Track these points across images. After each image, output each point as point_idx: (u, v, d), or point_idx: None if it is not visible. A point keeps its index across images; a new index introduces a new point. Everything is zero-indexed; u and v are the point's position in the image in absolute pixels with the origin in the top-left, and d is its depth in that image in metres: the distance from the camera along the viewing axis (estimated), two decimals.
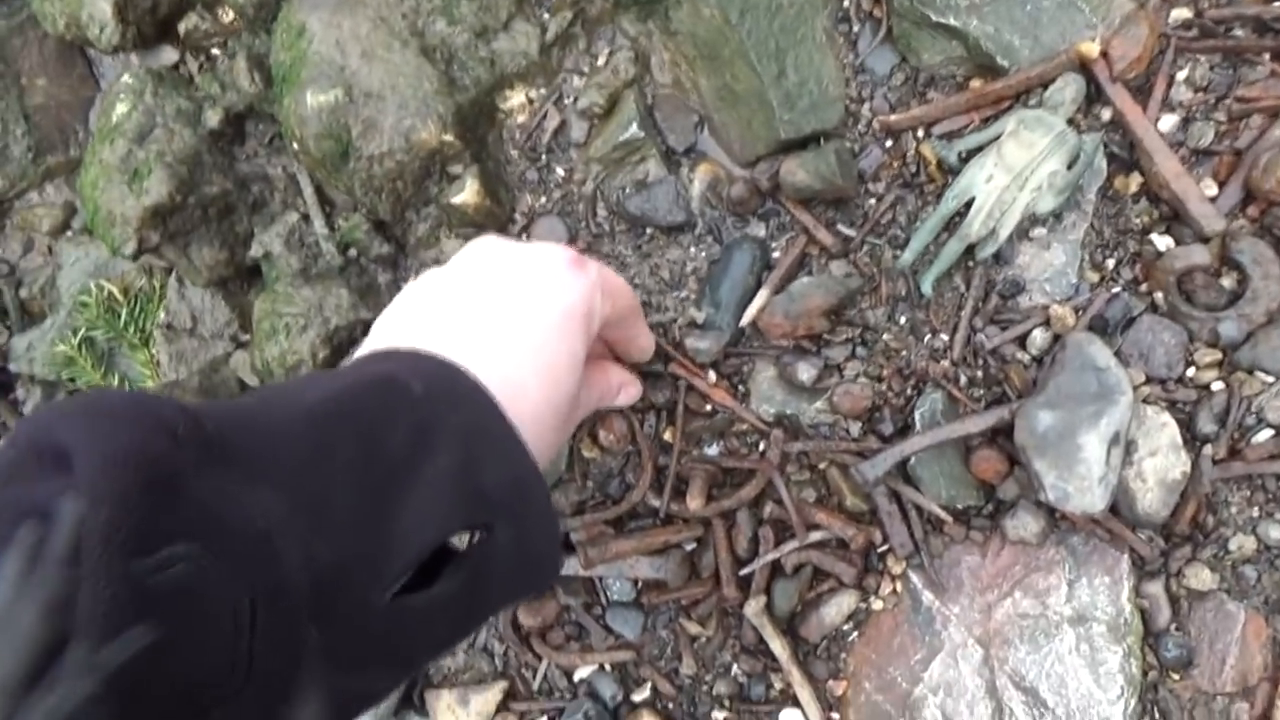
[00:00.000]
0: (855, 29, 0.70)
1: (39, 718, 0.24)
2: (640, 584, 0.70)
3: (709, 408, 0.70)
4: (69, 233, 0.84)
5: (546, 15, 0.73)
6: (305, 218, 0.73)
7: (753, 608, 0.67)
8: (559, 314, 0.45)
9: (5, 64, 0.82)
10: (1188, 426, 0.62)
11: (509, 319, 0.43)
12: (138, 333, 0.82)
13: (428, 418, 0.37)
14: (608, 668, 0.70)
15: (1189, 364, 0.63)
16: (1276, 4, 0.65)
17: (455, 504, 0.35)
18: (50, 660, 0.25)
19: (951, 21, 0.66)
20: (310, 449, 0.33)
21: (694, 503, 0.68)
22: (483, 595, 0.38)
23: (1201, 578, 0.62)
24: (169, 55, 0.78)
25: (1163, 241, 0.65)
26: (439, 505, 0.35)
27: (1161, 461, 0.61)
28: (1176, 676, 0.62)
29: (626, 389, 0.60)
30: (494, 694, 0.71)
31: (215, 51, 0.77)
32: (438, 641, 0.39)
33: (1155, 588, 0.62)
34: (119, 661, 0.25)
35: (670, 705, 0.70)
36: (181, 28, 0.76)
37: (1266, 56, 0.65)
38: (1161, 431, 0.61)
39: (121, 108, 0.72)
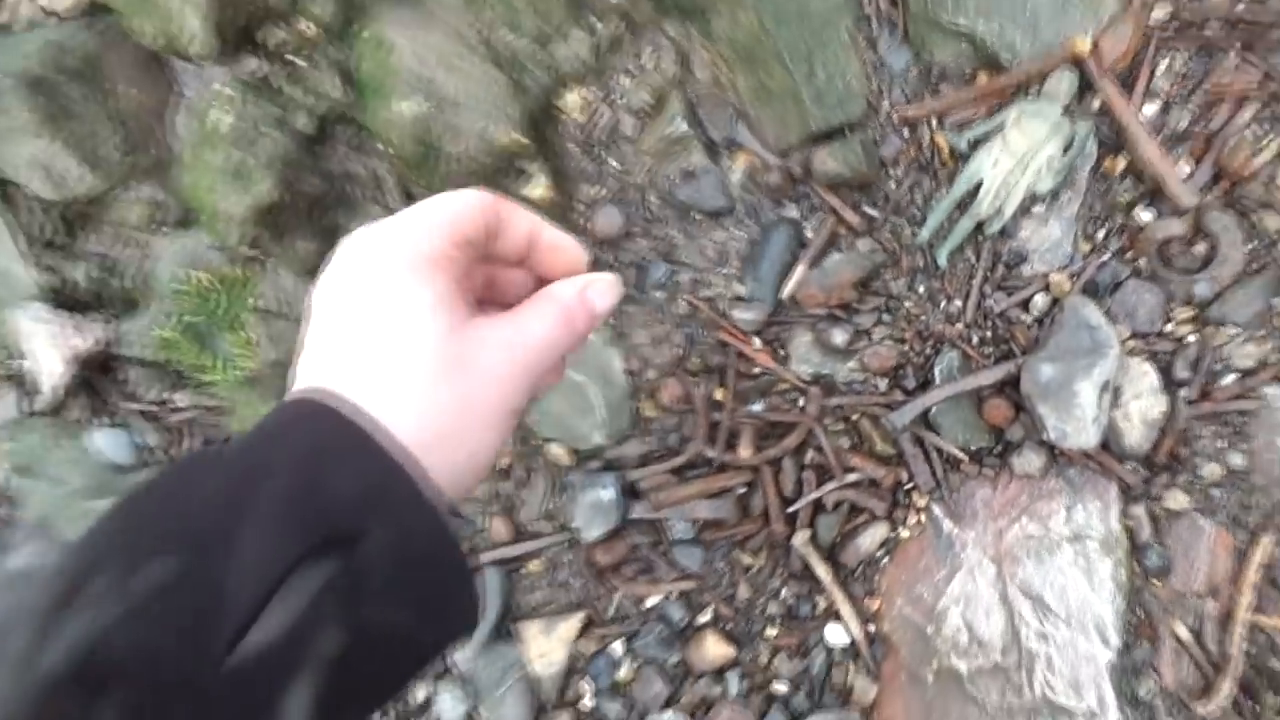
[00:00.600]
0: (875, 31, 0.79)
1: (70, 634, 0.27)
2: (699, 523, 0.81)
3: (755, 370, 0.81)
4: (163, 228, 0.92)
5: (597, 23, 0.81)
6: (389, 210, 0.82)
7: (800, 539, 0.78)
8: (392, 271, 0.37)
9: (98, 75, 0.89)
10: (1166, 373, 0.73)
11: (352, 310, 0.37)
12: (230, 317, 0.91)
13: (253, 460, 0.33)
14: (673, 596, 0.82)
15: (1168, 320, 0.74)
16: (1242, 4, 0.75)
17: (288, 531, 0.31)
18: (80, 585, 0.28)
19: (961, 22, 0.76)
20: (124, 529, 0.31)
21: (744, 452, 0.79)
22: (356, 619, 0.32)
23: (1177, 500, 0.74)
24: (251, 64, 0.86)
25: (1145, 215, 0.75)
26: (267, 539, 0.31)
27: (1144, 404, 0.72)
28: (1157, 582, 0.74)
29: (594, 293, 0.43)
30: (575, 622, 0.83)
31: (295, 60, 0.85)
32: (321, 687, 0.31)
33: (1139, 510, 0.74)
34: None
35: (729, 625, 0.81)
36: (262, 39, 0.84)
37: (1235, 47, 0.75)
38: (1144, 379, 0.73)
39: (217, 115, 0.81)
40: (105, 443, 0.94)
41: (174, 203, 0.90)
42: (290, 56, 0.85)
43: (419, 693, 0.86)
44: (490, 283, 0.45)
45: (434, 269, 0.38)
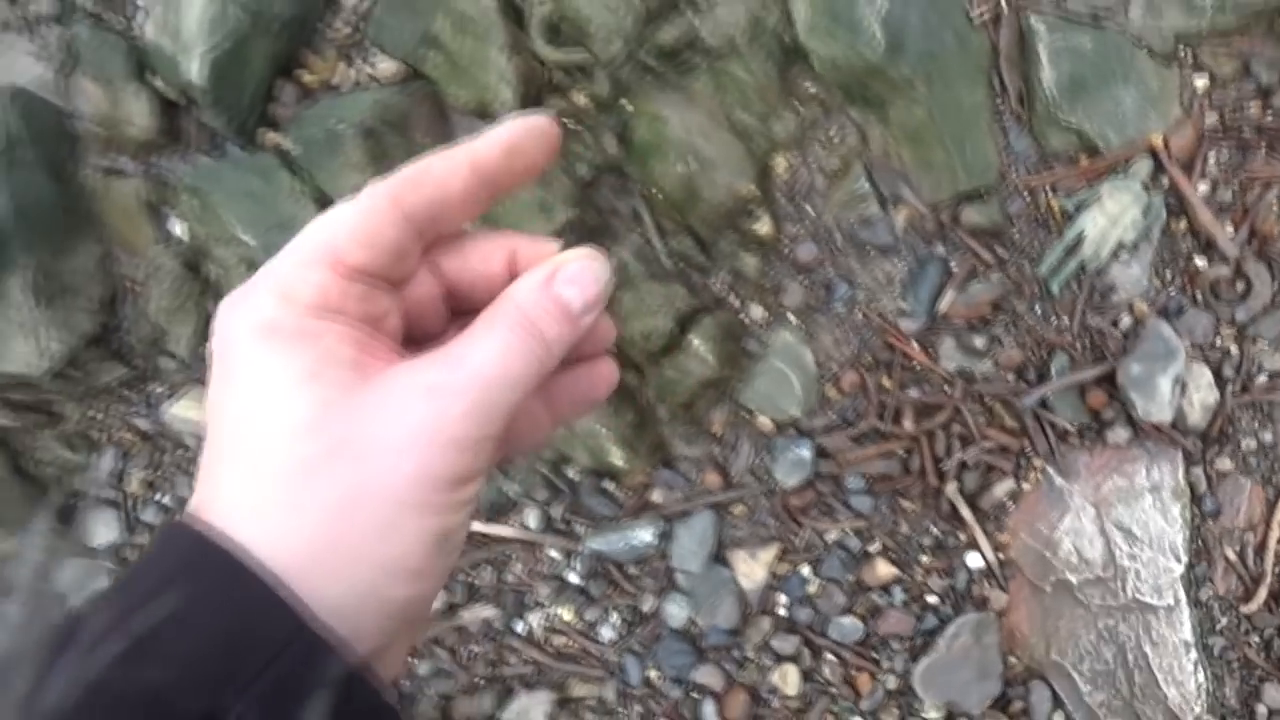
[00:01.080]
0: (1007, 123, 1.09)
1: (69, 676, 0.24)
2: (871, 478, 1.10)
3: (914, 365, 1.10)
4: None
5: (801, 107, 1.11)
6: (646, 240, 1.11)
7: (950, 489, 1.07)
8: (241, 348, 0.31)
9: (407, 126, 1.17)
10: (1217, 373, 1.03)
11: (213, 403, 0.32)
12: None
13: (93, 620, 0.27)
14: (849, 531, 1.10)
15: (1217, 335, 1.04)
16: (1269, 115, 1.06)
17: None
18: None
19: (1071, 121, 1.06)
20: None
21: (906, 425, 1.08)
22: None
23: (1225, 464, 1.03)
24: None
25: (1200, 262, 1.06)
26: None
27: (1202, 394, 1.02)
28: (1212, 520, 1.03)
29: (564, 282, 0.34)
30: (772, 551, 1.10)
31: (567, 123, 1.14)
32: None
33: (1198, 470, 1.03)
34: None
35: (893, 554, 1.10)
36: (549, 107, 1.12)
37: (1264, 146, 1.06)
38: (1202, 376, 1.03)
39: None
40: None
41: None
42: (565, 120, 1.13)
43: (647, 603, 1.13)
44: (455, 296, 0.37)
45: (295, 334, 0.30)
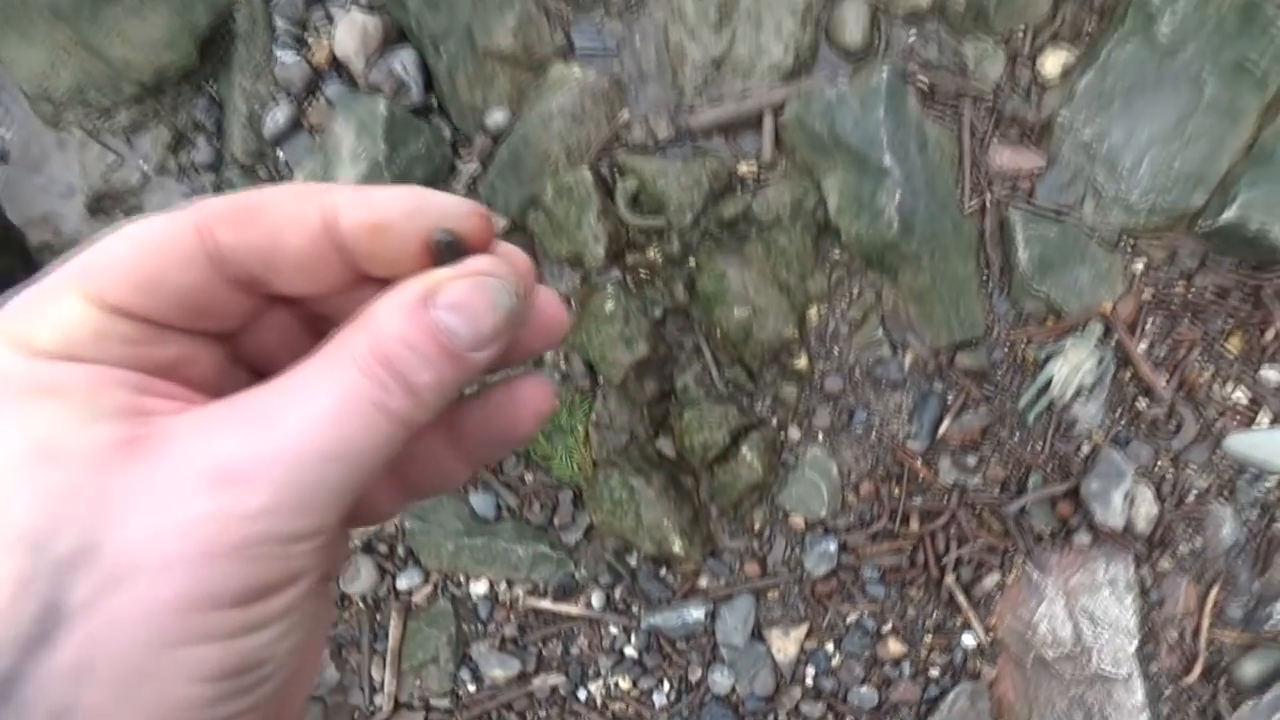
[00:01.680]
0: (992, 290, 1.39)
1: None
2: (884, 569, 1.34)
3: (919, 478, 1.36)
4: (524, 365, 1.45)
5: (830, 270, 1.40)
6: (705, 369, 1.37)
7: (949, 580, 1.31)
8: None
9: None
10: (1158, 490, 1.31)
11: None
12: (570, 426, 1.43)
13: None
14: (866, 614, 1.33)
15: (1157, 461, 1.32)
16: (1191, 292, 1.37)
17: None
18: None
19: (1041, 290, 1.36)
20: None
21: (913, 526, 1.33)
22: None
23: (1165, 564, 1.29)
24: (615, 274, 1.42)
25: (1142, 403, 1.34)
26: None
27: (1146, 508, 1.29)
28: (1157, 609, 1.29)
29: (447, 304, 0.26)
30: (802, 629, 1.33)
31: (640, 271, 1.41)
32: None
33: (1145, 569, 1.29)
34: None
35: (902, 633, 1.33)
36: (628, 259, 1.40)
37: (1188, 315, 1.37)
38: (1146, 492, 1.30)
39: (607, 303, 1.36)
40: (478, 502, 1.43)
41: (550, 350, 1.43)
42: (641, 271, 1.41)
43: (695, 673, 1.35)
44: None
45: (23, 390, 0.23)
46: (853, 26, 1.40)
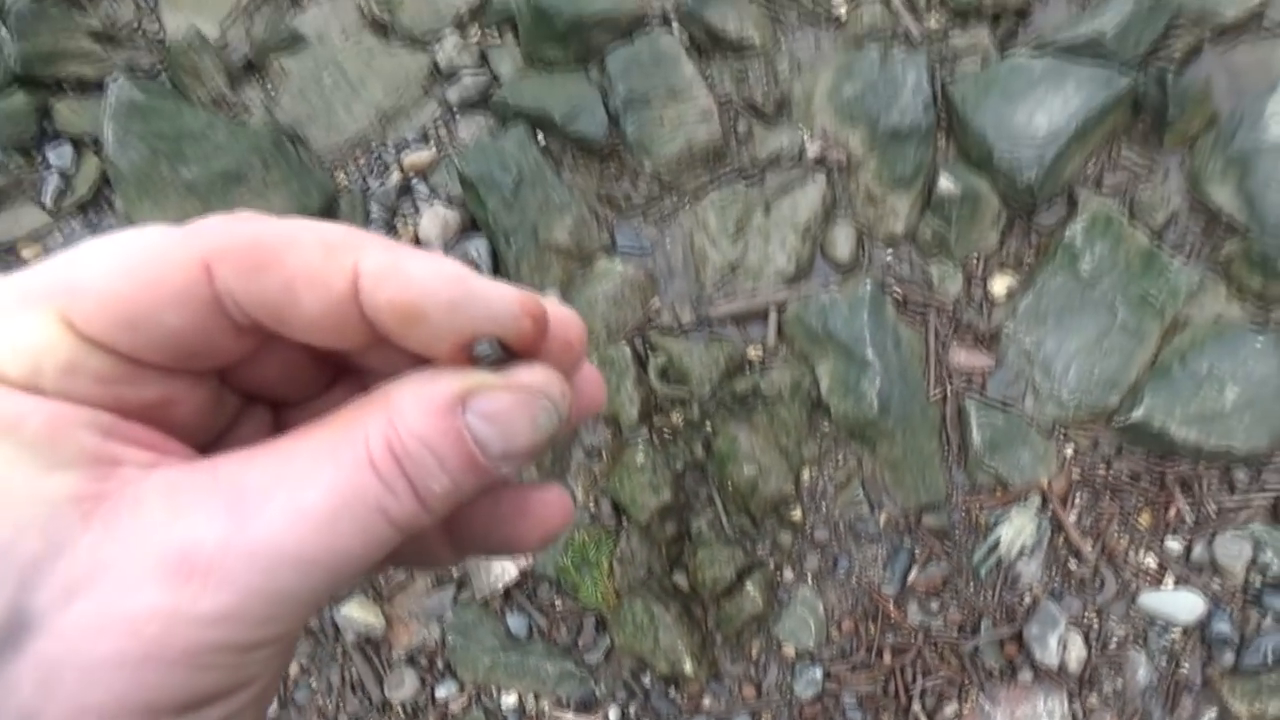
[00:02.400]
0: (952, 465, 1.70)
1: None
2: (861, 695, 1.58)
3: (891, 619, 1.62)
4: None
5: (817, 442, 1.70)
6: (717, 516, 1.64)
7: (915, 707, 1.56)
8: None
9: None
10: (1086, 637, 1.58)
11: None
12: (596, 559, 1.68)
13: None
14: None
15: (1085, 612, 1.60)
16: (1111, 474, 1.68)
17: None
18: None
19: (991, 466, 1.67)
20: None
21: (886, 659, 1.59)
22: None
23: (1093, 701, 1.56)
24: (644, 432, 1.70)
25: (1072, 564, 1.63)
26: None
27: (1077, 651, 1.56)
28: None
29: (484, 414, 0.24)
30: None
31: (664, 431, 1.70)
32: None
33: (1076, 704, 1.55)
34: None
35: None
36: (656, 421, 1.69)
37: (1108, 493, 1.68)
38: (1077, 638, 1.57)
39: (638, 456, 1.63)
40: (513, 622, 1.66)
41: (579, 493, 1.69)
42: (666, 431, 1.70)
43: None
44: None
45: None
46: (842, 245, 1.75)
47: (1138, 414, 1.59)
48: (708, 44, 1.85)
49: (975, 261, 1.74)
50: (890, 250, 1.76)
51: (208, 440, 0.28)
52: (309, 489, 0.22)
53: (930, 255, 1.74)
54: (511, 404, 0.24)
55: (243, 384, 0.28)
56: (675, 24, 1.86)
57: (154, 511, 0.21)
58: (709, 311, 1.74)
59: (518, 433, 0.24)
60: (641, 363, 1.70)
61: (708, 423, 1.67)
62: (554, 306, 0.27)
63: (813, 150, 1.78)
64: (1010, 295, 1.72)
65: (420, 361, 0.25)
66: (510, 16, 1.86)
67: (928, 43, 1.83)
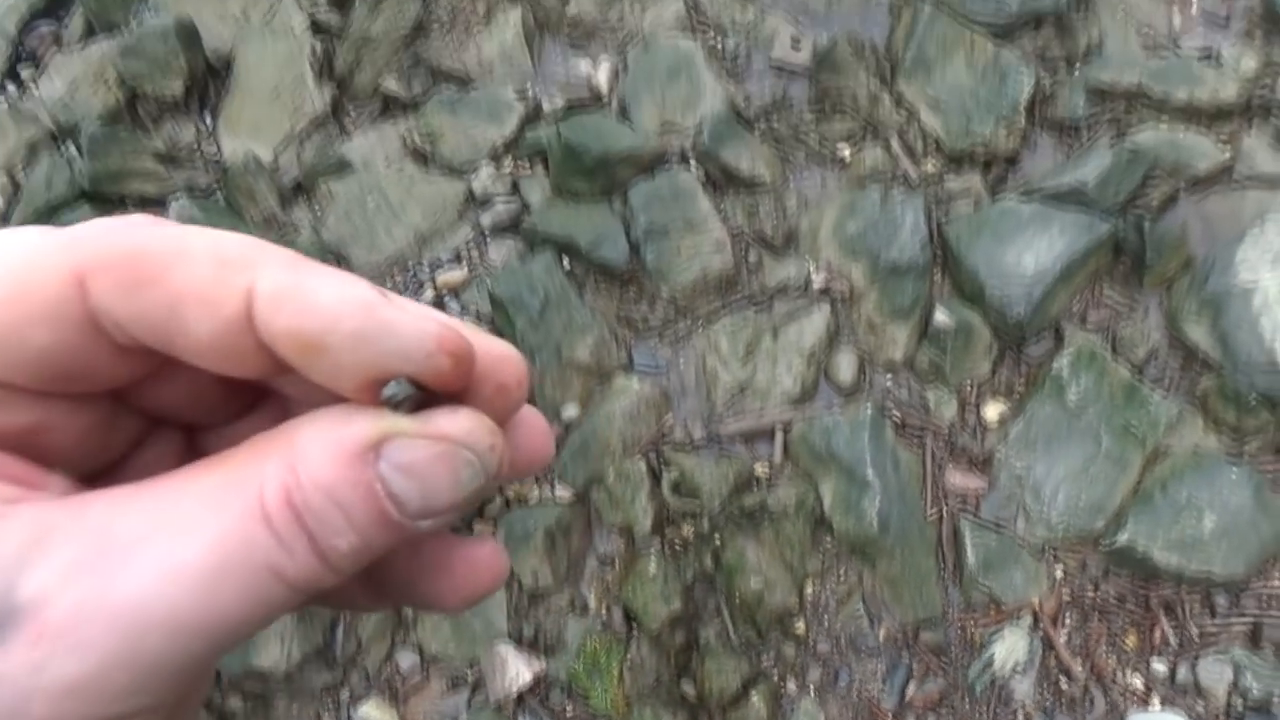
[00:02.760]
0: (948, 579, 1.78)
1: None
2: None
3: (876, 716, 1.69)
4: (577, 612, 1.78)
5: (821, 560, 1.79)
6: (724, 627, 1.72)
7: None
8: None
9: (571, 528, 1.81)
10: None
11: None
12: (605, 666, 1.75)
13: None
14: None
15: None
16: (1099, 595, 1.77)
17: None
18: None
19: (985, 584, 1.75)
20: None
21: None
22: None
23: None
24: (656, 544, 1.79)
25: (1064, 682, 1.71)
26: None
27: None
28: None
29: (397, 461, 0.22)
30: None
31: (676, 543, 1.79)
32: None
33: None
34: None
35: None
36: (668, 533, 1.78)
37: (1096, 613, 1.76)
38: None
39: (650, 566, 1.72)
40: None
41: (592, 600, 1.78)
42: (677, 543, 1.79)
43: None
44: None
45: None
46: (845, 370, 1.87)
47: (1122, 539, 1.68)
48: (722, 180, 2.01)
49: (969, 389, 1.86)
50: (890, 376, 1.88)
51: (101, 466, 0.25)
52: (187, 541, 0.19)
53: (927, 382, 1.87)
54: (430, 456, 0.21)
55: (143, 405, 0.25)
56: (693, 162, 2.02)
57: (6, 555, 0.18)
58: (719, 429, 1.85)
59: (438, 489, 0.21)
60: (655, 476, 1.80)
61: (717, 536, 1.77)
62: (485, 342, 0.25)
63: (818, 281, 1.92)
64: (1002, 421, 1.83)
65: (338, 396, 0.22)
66: (542, 150, 2.03)
67: (924, 185, 1.99)
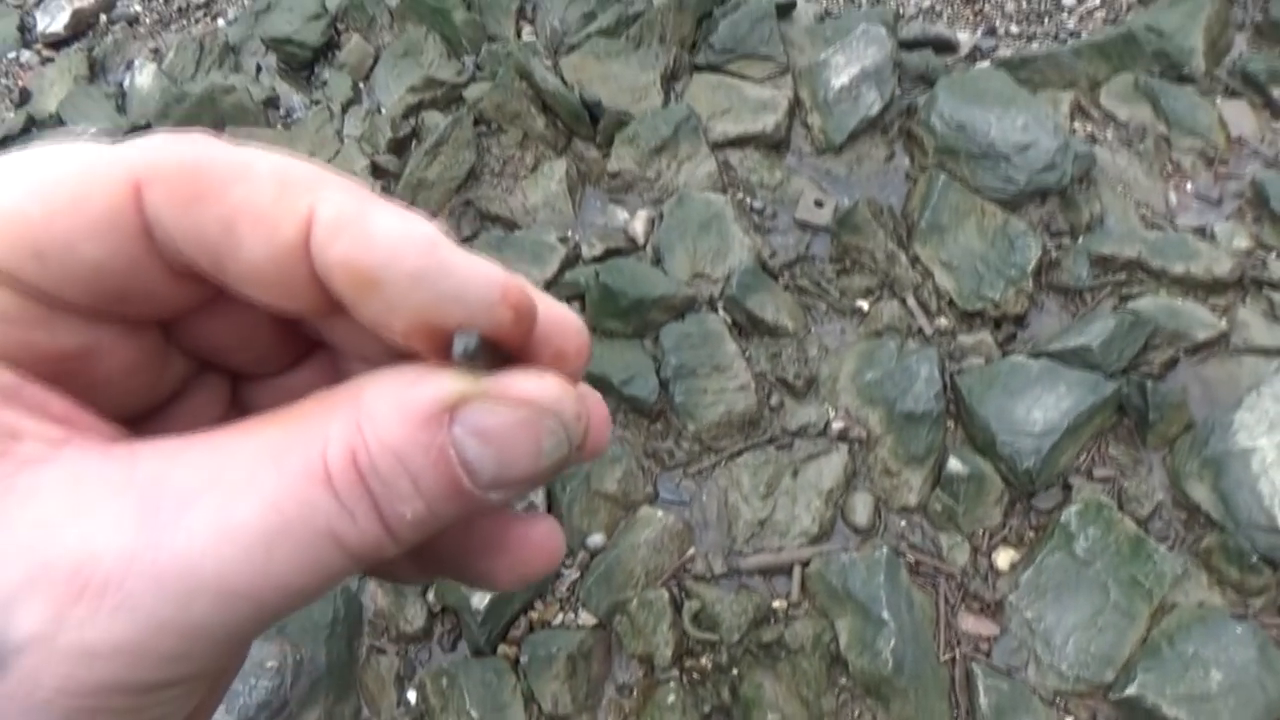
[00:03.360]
0: (959, 716, 1.81)
1: None
2: None
3: None
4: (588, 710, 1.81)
5: (838, 690, 1.82)
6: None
7: None
8: None
9: (590, 660, 1.85)
10: None
11: None
12: None
13: None
14: None
15: None
16: None
17: None
18: None
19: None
20: None
21: None
22: None
23: None
24: (675, 673, 1.83)
25: None
26: None
27: None
28: None
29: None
30: None
31: (697, 675, 1.83)
32: None
33: None
34: None
35: None
36: (687, 663, 1.83)
37: None
38: None
39: (669, 696, 1.76)
40: None
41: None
42: (696, 673, 1.83)
43: None
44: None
45: None
46: (861, 512, 1.96)
47: (1131, 691, 1.72)
48: (748, 327, 2.14)
49: (981, 535, 1.93)
50: (904, 519, 1.96)
51: (145, 410, 0.24)
52: (243, 500, 0.18)
53: (940, 527, 1.94)
54: (511, 423, 0.20)
55: (191, 345, 0.24)
56: (721, 308, 2.16)
57: (50, 505, 0.18)
58: (739, 564, 1.92)
59: (517, 459, 0.20)
60: (676, 607, 1.86)
61: (735, 668, 1.81)
62: (546, 302, 0.23)
63: (837, 425, 2.03)
64: (1013, 568, 1.90)
65: (401, 354, 0.21)
66: (580, 292, 2.17)
67: (938, 339, 2.12)
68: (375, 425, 0.19)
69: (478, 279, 0.21)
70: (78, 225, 0.19)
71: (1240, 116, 2.43)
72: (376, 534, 0.20)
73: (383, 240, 0.20)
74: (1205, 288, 2.13)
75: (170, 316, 0.23)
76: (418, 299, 0.20)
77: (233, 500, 0.18)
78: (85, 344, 0.21)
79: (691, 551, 1.94)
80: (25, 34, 3.41)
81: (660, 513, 1.96)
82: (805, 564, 1.90)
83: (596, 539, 1.94)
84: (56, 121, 2.87)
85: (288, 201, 0.20)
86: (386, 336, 0.21)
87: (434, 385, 0.20)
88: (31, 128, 2.90)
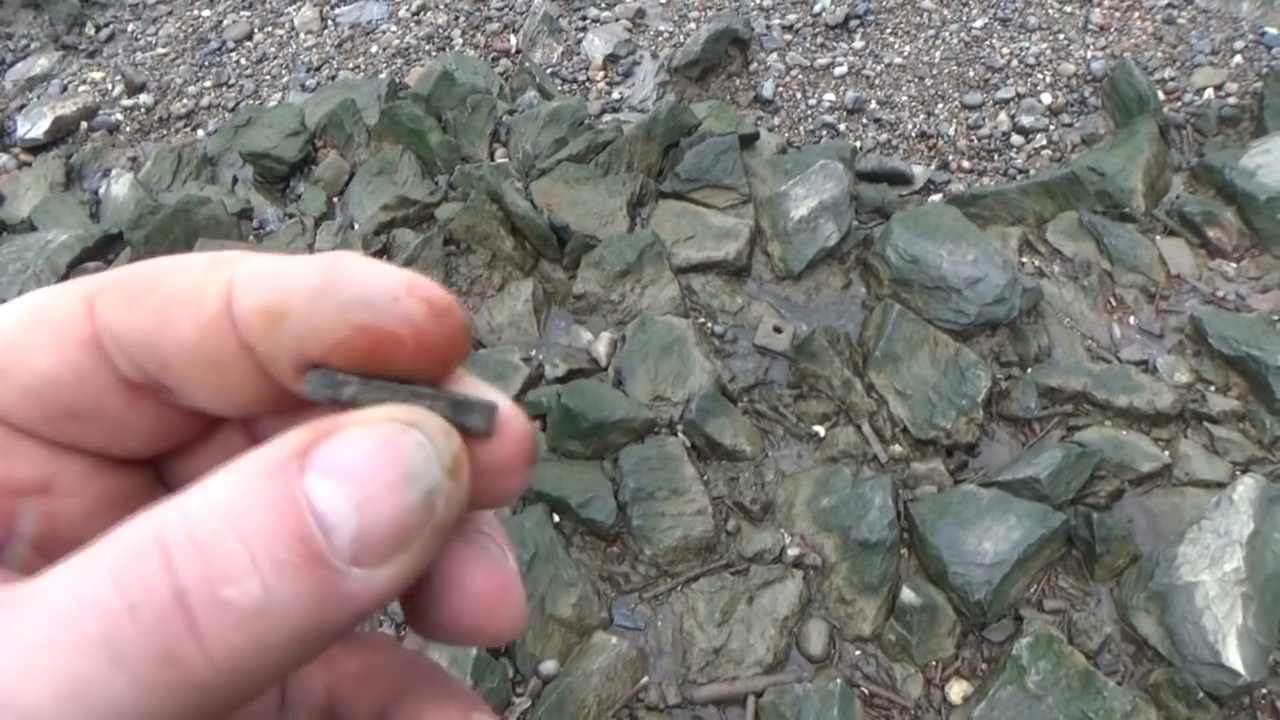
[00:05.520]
0: None
1: None
2: None
3: None
4: None
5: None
6: None
7: None
8: None
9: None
10: None
11: None
12: None
13: None
14: None
15: None
16: None
17: None
18: None
19: None
20: None
21: None
22: None
23: None
24: None
25: None
26: None
27: None
28: None
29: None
30: None
31: None
32: None
33: None
34: None
35: None
36: None
37: None
38: None
39: None
40: None
41: None
42: None
43: None
44: None
45: None
46: (815, 640, 1.96)
47: None
48: (707, 450, 2.18)
49: (934, 666, 1.94)
50: (859, 649, 1.96)
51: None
52: (33, 622, 0.16)
53: (894, 658, 1.95)
54: (371, 447, 0.17)
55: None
56: (681, 432, 2.20)
57: None
58: (693, 694, 1.90)
59: (380, 494, 0.17)
60: None
61: None
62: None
63: (792, 552, 2.04)
64: (966, 701, 1.90)
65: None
66: (542, 412, 2.20)
67: (893, 466, 2.16)
68: (204, 494, 0.16)
69: (380, 279, 0.20)
70: (35, 337, 0.19)
71: (1178, 254, 2.55)
72: (193, 644, 0.15)
73: (288, 273, 0.19)
74: (1149, 420, 2.19)
75: (150, 449, 0.22)
76: (323, 315, 0.19)
77: (27, 623, 0.16)
78: (42, 475, 0.20)
79: (645, 680, 1.93)
80: (4, 138, 3.47)
81: (614, 639, 1.95)
82: (759, 695, 1.89)
83: (549, 665, 1.92)
84: (29, 227, 2.90)
85: (213, 275, 0.20)
86: (301, 371, 0.20)
87: (299, 432, 0.18)
88: (3, 231, 2.93)
